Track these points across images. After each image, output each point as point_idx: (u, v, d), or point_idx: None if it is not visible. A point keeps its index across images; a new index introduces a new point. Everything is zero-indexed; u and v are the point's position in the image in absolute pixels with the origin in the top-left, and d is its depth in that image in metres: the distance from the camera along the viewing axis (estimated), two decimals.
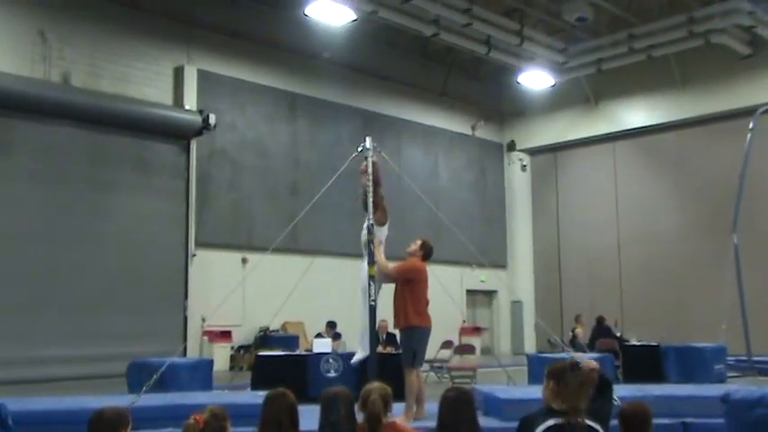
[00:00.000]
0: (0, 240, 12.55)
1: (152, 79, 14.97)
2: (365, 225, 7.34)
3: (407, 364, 6.96)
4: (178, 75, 15.39)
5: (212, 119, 15.08)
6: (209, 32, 15.78)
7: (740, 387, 7.25)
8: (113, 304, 13.50)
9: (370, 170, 7.20)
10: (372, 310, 6.93)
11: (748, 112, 14.40)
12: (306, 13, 14.81)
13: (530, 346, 20.94)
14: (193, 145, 15.37)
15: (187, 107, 15.18)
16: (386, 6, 15.05)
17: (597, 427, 3.54)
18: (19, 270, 12.65)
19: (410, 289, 7.02)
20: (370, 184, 7.16)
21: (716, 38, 16.45)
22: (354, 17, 15.01)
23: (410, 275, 7.10)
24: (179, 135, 15.11)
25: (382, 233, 7.40)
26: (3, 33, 13.11)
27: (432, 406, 5.13)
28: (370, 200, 7.14)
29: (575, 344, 13.41)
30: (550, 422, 3.47)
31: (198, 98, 15.44)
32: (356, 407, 3.79)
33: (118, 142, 14.27)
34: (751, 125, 13.15)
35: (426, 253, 7.28)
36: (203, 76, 15.67)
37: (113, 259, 13.79)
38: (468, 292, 20.77)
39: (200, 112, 15.17)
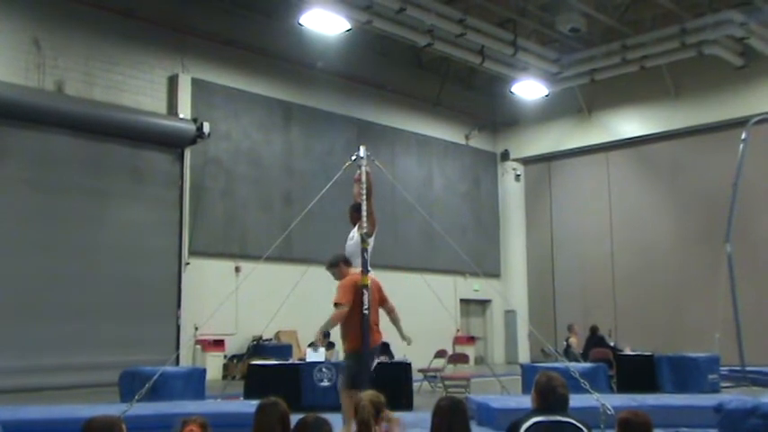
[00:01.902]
0: None
1: (146, 88, 14.97)
2: (351, 234, 7.35)
3: (341, 385, 6.54)
4: (172, 83, 15.38)
5: (206, 128, 15.08)
6: (204, 41, 15.80)
7: (734, 397, 7.25)
8: (106, 313, 13.45)
9: (363, 179, 7.18)
10: (366, 320, 6.90)
11: (741, 123, 14.50)
12: (300, 22, 14.85)
13: (523, 355, 20.92)
14: (187, 154, 15.35)
15: (181, 116, 15.17)
16: (380, 16, 15.10)
17: (581, 426, 3.57)
18: (11, 278, 12.58)
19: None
20: (365, 193, 7.14)
21: (708, 49, 16.57)
22: (349, 27, 15.05)
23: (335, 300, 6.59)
24: (173, 144, 15.09)
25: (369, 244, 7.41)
26: None
27: (425, 415, 5.11)
28: (365, 209, 7.12)
29: (568, 353, 13.40)
30: (535, 419, 3.57)
31: (192, 107, 15.43)
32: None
33: (112, 151, 14.25)
34: (744, 135, 13.24)
35: (341, 264, 6.75)
36: (197, 85, 15.68)
37: (106, 268, 13.74)
38: (462, 301, 20.77)
39: (195, 120, 15.16)
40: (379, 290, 6.71)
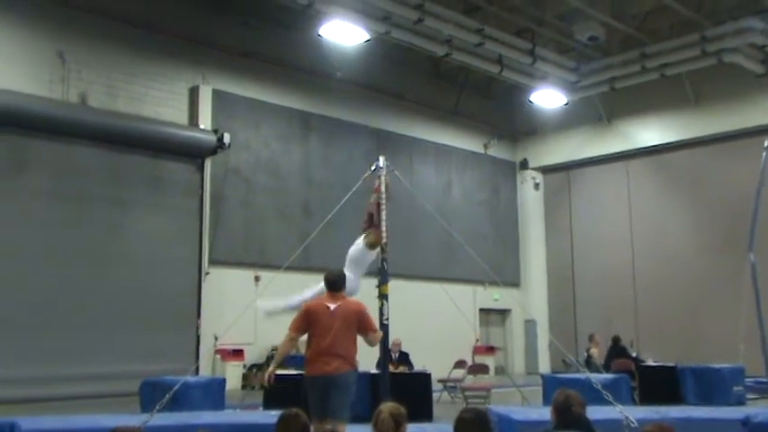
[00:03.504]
0: (16, 258, 12.65)
1: (167, 99, 15.13)
2: (358, 241, 7.44)
3: None
4: (193, 95, 15.54)
5: (227, 138, 15.20)
6: (224, 53, 15.93)
7: (760, 410, 7.14)
8: (127, 322, 13.55)
9: (383, 188, 7.25)
10: (385, 329, 6.91)
11: (762, 131, 14.36)
12: (319, 33, 14.93)
13: (544, 365, 20.75)
14: (208, 164, 15.47)
15: (202, 126, 15.31)
16: (399, 27, 15.14)
17: None
18: (34, 288, 12.72)
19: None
20: (384, 202, 7.24)
21: (728, 57, 16.40)
22: (367, 38, 15.12)
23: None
24: (194, 154, 15.23)
25: (370, 256, 7.40)
26: (23, 54, 13.33)
27: (445, 426, 5.08)
28: (378, 218, 7.22)
29: (590, 364, 13.27)
30: None
31: (213, 118, 15.57)
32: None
33: (133, 161, 14.41)
34: (766, 143, 13.08)
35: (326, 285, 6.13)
36: (218, 96, 15.81)
37: (127, 277, 13.85)
38: (482, 310, 20.67)
39: (215, 131, 15.29)
40: (348, 315, 5.86)
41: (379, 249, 7.52)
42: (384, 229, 7.17)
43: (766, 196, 13.19)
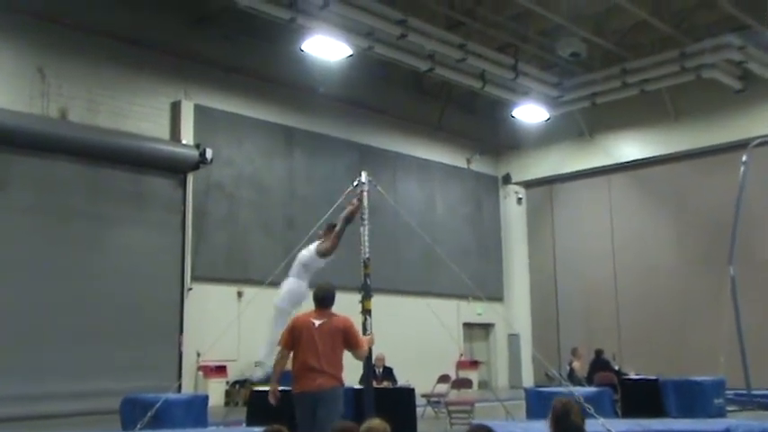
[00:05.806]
0: None
1: (149, 114, 15.07)
2: (310, 246, 7.85)
3: None
4: (175, 110, 15.49)
5: (209, 153, 15.15)
6: (206, 68, 15.92)
7: (741, 422, 7.19)
8: (108, 338, 13.40)
9: (365, 203, 7.29)
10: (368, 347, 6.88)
11: (741, 146, 14.55)
12: (302, 48, 14.99)
13: (527, 379, 20.77)
14: (190, 179, 15.41)
15: (184, 142, 15.26)
16: (381, 42, 15.24)
17: None
18: (12, 304, 12.55)
19: None
20: (345, 216, 7.44)
21: (707, 73, 16.66)
22: (350, 53, 15.19)
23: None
24: (176, 169, 15.16)
25: (319, 263, 7.87)
26: (1, 70, 13.23)
27: None
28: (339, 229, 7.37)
29: (572, 377, 13.31)
30: None
31: (195, 133, 15.52)
32: None
33: (115, 177, 14.31)
34: (744, 158, 13.28)
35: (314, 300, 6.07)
36: (200, 111, 15.78)
37: (109, 293, 13.71)
38: (465, 325, 20.68)
39: (197, 146, 15.24)
40: (334, 331, 5.78)
41: (330, 258, 7.85)
42: (366, 244, 7.18)
43: (745, 210, 13.38)
